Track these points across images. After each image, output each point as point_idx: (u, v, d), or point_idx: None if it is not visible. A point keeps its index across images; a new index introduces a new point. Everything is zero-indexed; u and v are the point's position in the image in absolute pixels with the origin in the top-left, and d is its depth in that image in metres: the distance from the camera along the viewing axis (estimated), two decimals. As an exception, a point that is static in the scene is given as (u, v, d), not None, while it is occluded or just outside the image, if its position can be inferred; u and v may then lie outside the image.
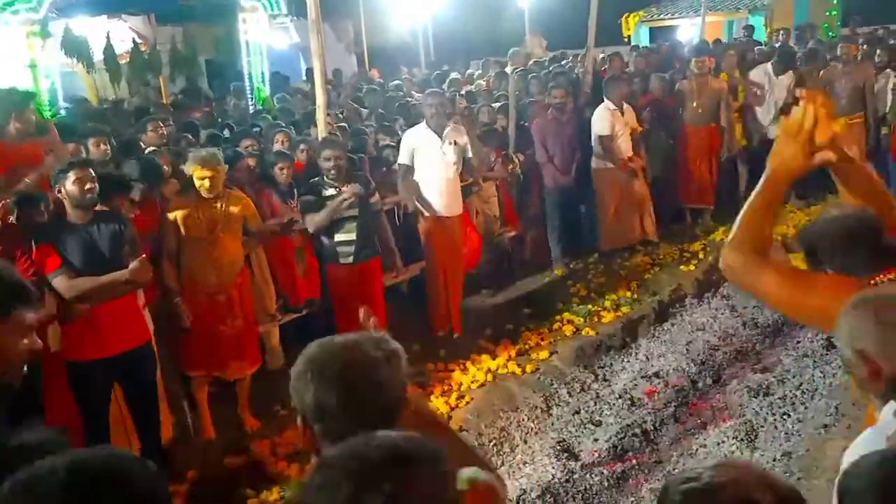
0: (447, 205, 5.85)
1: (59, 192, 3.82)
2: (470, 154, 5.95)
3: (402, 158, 5.86)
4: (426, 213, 5.84)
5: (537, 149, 7.11)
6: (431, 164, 5.76)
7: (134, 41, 11.83)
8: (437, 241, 5.86)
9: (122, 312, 3.97)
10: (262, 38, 10.08)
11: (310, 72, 9.90)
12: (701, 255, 7.21)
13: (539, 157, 7.10)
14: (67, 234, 3.83)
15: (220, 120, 8.38)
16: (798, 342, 5.51)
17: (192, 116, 8.23)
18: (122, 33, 11.93)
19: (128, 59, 11.51)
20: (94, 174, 3.86)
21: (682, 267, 7.06)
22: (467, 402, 5.05)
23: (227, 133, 7.27)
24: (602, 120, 6.99)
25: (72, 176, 3.77)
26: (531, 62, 11.04)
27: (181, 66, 12.56)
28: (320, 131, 5.78)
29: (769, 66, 8.14)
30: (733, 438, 4.37)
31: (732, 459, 1.07)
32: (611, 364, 5.52)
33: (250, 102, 9.72)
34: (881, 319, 1.57)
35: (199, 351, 4.51)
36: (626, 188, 7.13)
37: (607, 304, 6.38)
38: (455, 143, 5.74)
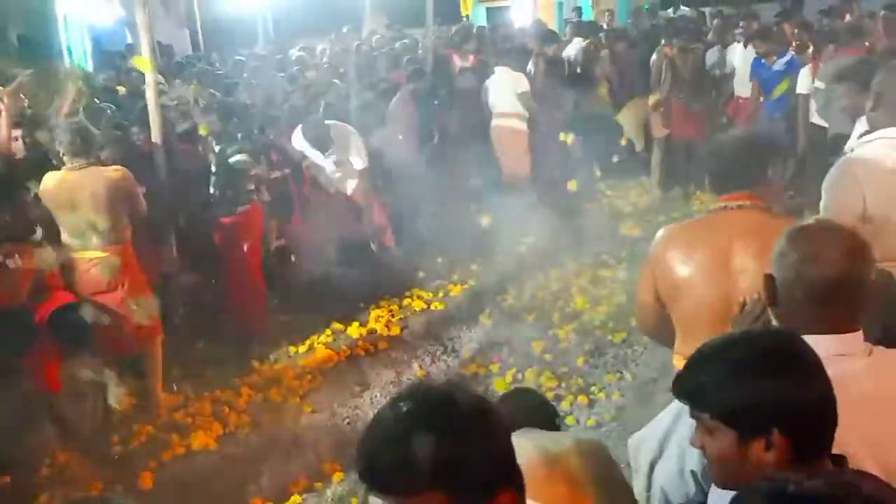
0: None
1: None
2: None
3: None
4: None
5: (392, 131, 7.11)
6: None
7: (-73, 13, 10.57)
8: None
9: None
10: (83, 11, 9.39)
11: (130, 47, 9.36)
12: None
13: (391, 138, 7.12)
14: None
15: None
16: (628, 304, 5.94)
17: None
18: (-89, 4, 10.63)
19: (-81, 34, 10.29)
20: None
21: (522, 238, 7.39)
22: (321, 384, 5.07)
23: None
24: None
25: None
26: (375, 38, 11.02)
27: (-15, 41, 11.36)
28: (151, 111, 5.47)
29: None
30: (571, 397, 4.68)
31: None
32: (459, 336, 5.69)
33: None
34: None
35: None
36: None
37: (455, 277, 6.59)
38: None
